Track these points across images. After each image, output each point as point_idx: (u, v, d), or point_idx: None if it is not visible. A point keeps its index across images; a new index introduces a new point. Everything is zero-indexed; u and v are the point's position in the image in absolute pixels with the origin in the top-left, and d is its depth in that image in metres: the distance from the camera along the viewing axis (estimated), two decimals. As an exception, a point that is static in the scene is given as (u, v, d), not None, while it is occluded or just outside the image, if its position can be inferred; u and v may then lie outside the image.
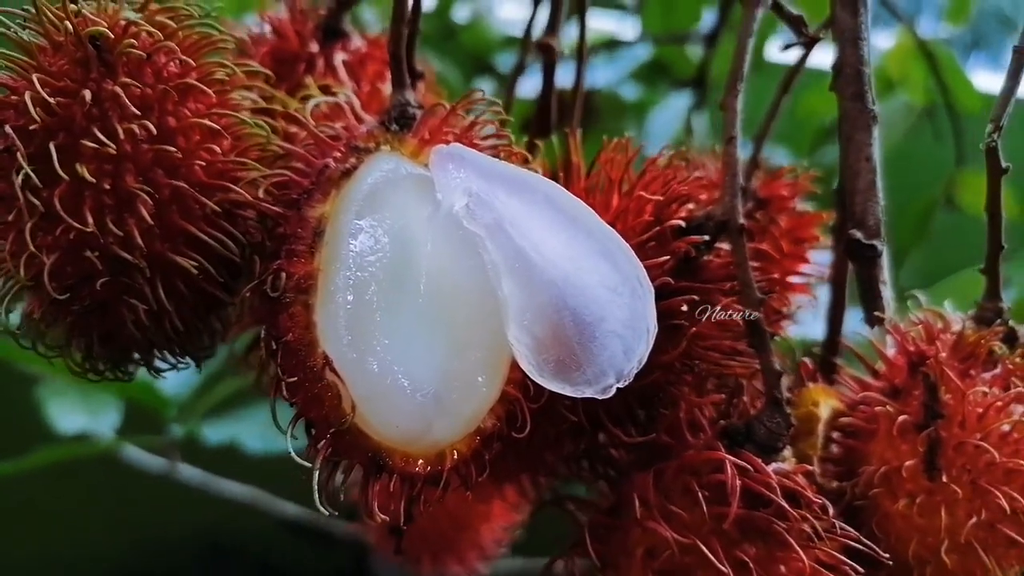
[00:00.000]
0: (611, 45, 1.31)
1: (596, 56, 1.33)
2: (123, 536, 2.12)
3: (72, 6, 0.32)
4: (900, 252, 1.57)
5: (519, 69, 0.55)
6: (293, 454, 0.29)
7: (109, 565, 2.09)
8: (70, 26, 0.30)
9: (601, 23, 1.43)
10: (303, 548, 1.88)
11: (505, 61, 1.44)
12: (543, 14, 0.54)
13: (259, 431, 0.98)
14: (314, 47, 0.49)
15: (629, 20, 1.34)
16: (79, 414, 0.98)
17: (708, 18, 1.25)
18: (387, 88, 0.50)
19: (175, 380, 1.02)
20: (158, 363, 0.35)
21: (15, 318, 0.35)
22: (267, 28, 0.50)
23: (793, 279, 0.51)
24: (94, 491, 1.98)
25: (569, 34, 0.69)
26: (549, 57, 0.46)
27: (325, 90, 0.44)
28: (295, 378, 0.29)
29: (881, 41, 1.57)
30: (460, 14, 1.51)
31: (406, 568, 1.66)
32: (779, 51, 0.40)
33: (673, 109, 1.36)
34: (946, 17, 1.39)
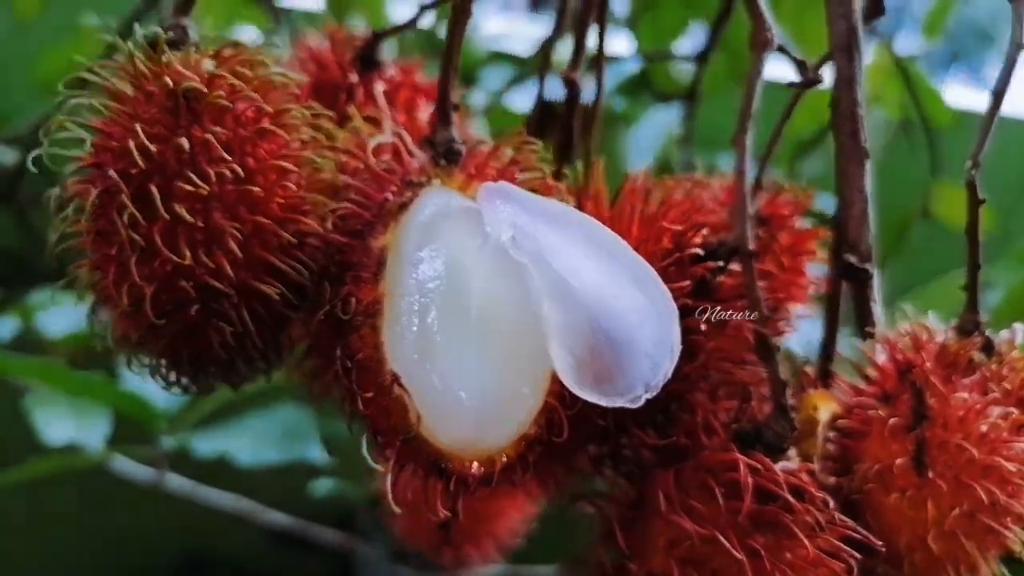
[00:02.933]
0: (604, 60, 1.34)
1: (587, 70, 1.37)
2: (104, 547, 2.12)
3: (163, 58, 0.36)
4: (881, 261, 1.61)
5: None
6: (369, 460, 0.34)
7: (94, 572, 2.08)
8: (169, 82, 0.34)
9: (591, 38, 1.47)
10: (287, 557, 1.90)
11: (490, 76, 1.47)
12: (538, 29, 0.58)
13: (249, 444, 1.00)
14: (354, 77, 0.53)
15: (620, 33, 1.37)
16: (67, 425, 0.97)
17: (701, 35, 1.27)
18: (420, 114, 0.54)
19: (165, 393, 1.05)
20: (233, 378, 0.38)
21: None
22: (309, 59, 0.54)
23: (793, 291, 0.56)
24: (77, 501, 1.99)
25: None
26: (572, 90, 0.50)
27: (369, 121, 0.48)
28: (369, 393, 0.33)
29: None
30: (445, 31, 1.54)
31: (397, 571, 1.70)
32: (786, 86, 0.44)
33: (656, 123, 1.39)
34: (923, 31, 1.44)
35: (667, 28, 1.30)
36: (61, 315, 1.02)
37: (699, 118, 1.23)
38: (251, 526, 1.89)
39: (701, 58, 1.06)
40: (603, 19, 0.52)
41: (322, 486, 1.44)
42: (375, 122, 0.48)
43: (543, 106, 0.58)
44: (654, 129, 1.35)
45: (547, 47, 0.58)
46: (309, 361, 0.47)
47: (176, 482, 1.14)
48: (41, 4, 1.54)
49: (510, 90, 1.32)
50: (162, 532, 2.00)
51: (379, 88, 0.51)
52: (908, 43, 1.63)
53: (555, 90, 0.58)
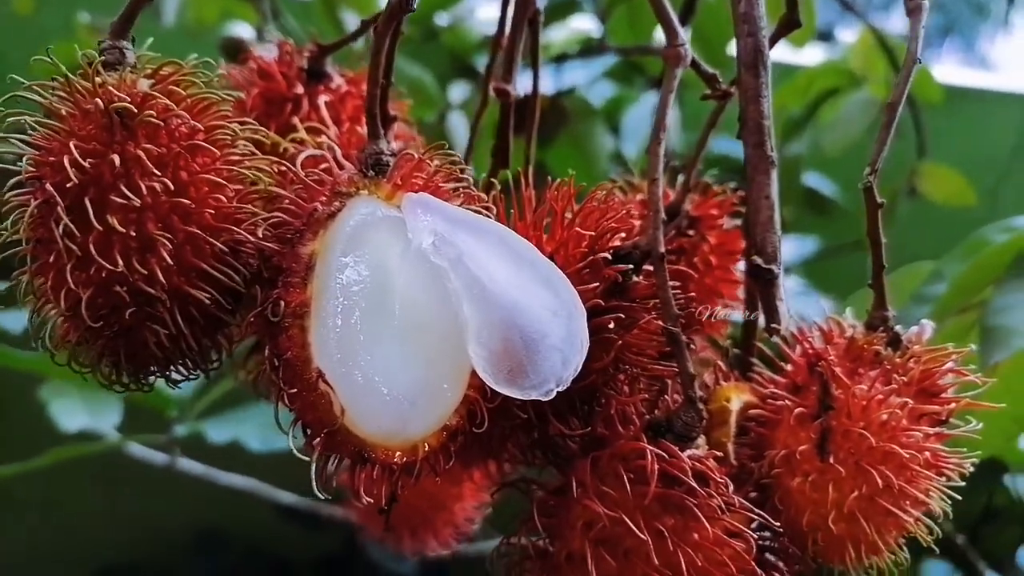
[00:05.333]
0: (586, 48, 1.36)
1: (571, 57, 1.39)
2: (118, 527, 2.16)
3: (98, 78, 0.38)
4: (865, 240, 1.65)
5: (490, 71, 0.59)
6: (294, 450, 0.36)
7: (105, 556, 2.13)
8: (100, 102, 0.36)
9: (577, 23, 1.49)
10: (295, 533, 1.95)
11: (484, 62, 1.50)
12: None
13: (259, 431, 1.04)
14: (299, 88, 0.55)
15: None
16: (81, 413, 1.03)
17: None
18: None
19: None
20: (174, 376, 0.41)
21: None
22: (257, 70, 0.56)
23: (723, 287, 0.59)
24: (92, 484, 2.03)
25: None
26: (505, 99, 0.52)
27: (312, 131, 0.50)
28: (295, 389, 0.36)
29: (847, 36, 1.62)
30: (442, 19, 1.56)
31: (394, 548, 1.73)
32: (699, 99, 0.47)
33: (647, 106, 1.42)
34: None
35: (643, 20, 1.33)
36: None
37: (687, 102, 1.26)
38: (261, 505, 1.93)
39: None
40: (535, 21, 0.54)
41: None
42: (317, 132, 0.50)
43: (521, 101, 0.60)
44: (645, 111, 1.39)
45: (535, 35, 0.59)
46: (252, 359, 0.49)
47: (187, 465, 1.19)
48: (36, 1, 1.55)
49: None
50: (175, 512, 2.04)
51: (322, 99, 0.53)
52: (902, 21, 1.65)
53: (545, 81, 0.59)
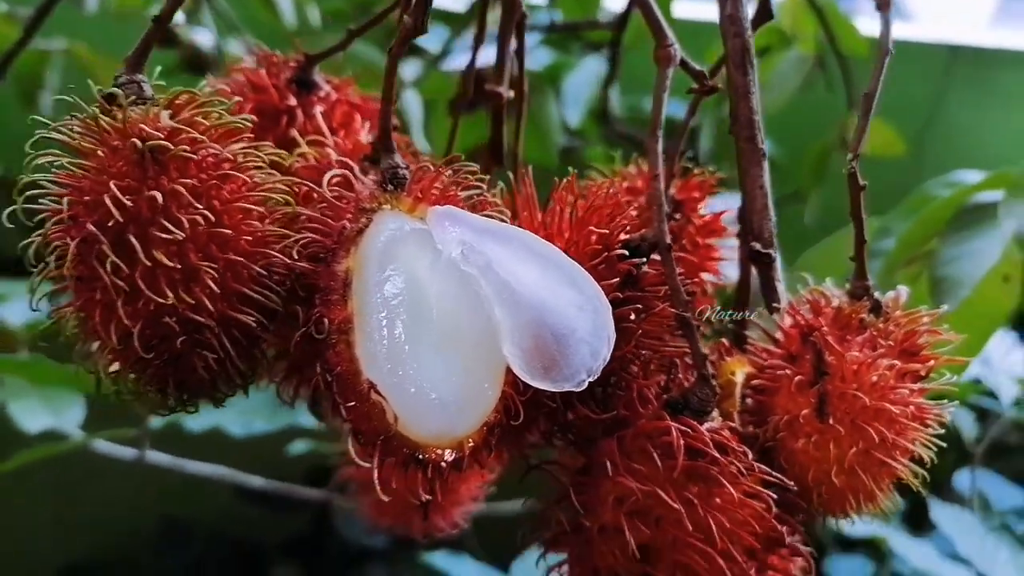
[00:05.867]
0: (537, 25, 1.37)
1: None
2: (79, 525, 2.14)
3: (121, 115, 0.39)
4: (802, 193, 1.72)
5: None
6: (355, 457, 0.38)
7: (68, 554, 2.10)
8: (136, 140, 0.37)
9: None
10: (261, 517, 1.95)
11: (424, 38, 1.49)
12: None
13: (238, 417, 1.05)
14: (292, 100, 0.56)
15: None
16: (43, 413, 1.02)
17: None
18: (357, 127, 0.57)
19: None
20: (218, 395, 0.42)
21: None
22: (247, 83, 0.56)
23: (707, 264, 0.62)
24: (51, 483, 1.99)
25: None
26: (497, 100, 0.54)
27: (313, 144, 0.52)
28: (351, 402, 0.38)
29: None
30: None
31: (369, 527, 1.76)
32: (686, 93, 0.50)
33: (586, 72, 1.44)
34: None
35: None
36: (22, 305, 1.05)
37: (624, 65, 1.29)
38: (225, 492, 1.92)
39: (619, 24, 1.11)
40: (522, 24, 0.56)
41: (298, 447, 1.49)
42: (319, 144, 0.52)
43: (475, 79, 0.62)
44: (585, 77, 1.41)
45: (481, 9, 0.61)
46: (278, 369, 0.51)
47: (156, 457, 1.17)
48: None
49: (446, 55, 1.35)
50: (137, 506, 2.01)
51: (318, 110, 0.54)
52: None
53: (489, 55, 0.61)
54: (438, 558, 1.42)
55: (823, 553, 1.73)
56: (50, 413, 1.03)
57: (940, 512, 1.19)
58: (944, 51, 2.05)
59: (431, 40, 1.42)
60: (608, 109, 1.31)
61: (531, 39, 1.44)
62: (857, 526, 1.29)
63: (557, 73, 1.47)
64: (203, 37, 1.49)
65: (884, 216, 0.98)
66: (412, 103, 1.28)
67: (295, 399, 0.51)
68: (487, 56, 0.62)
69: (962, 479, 1.58)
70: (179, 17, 1.47)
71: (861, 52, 1.52)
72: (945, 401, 0.50)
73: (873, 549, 1.70)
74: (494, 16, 0.83)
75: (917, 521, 1.24)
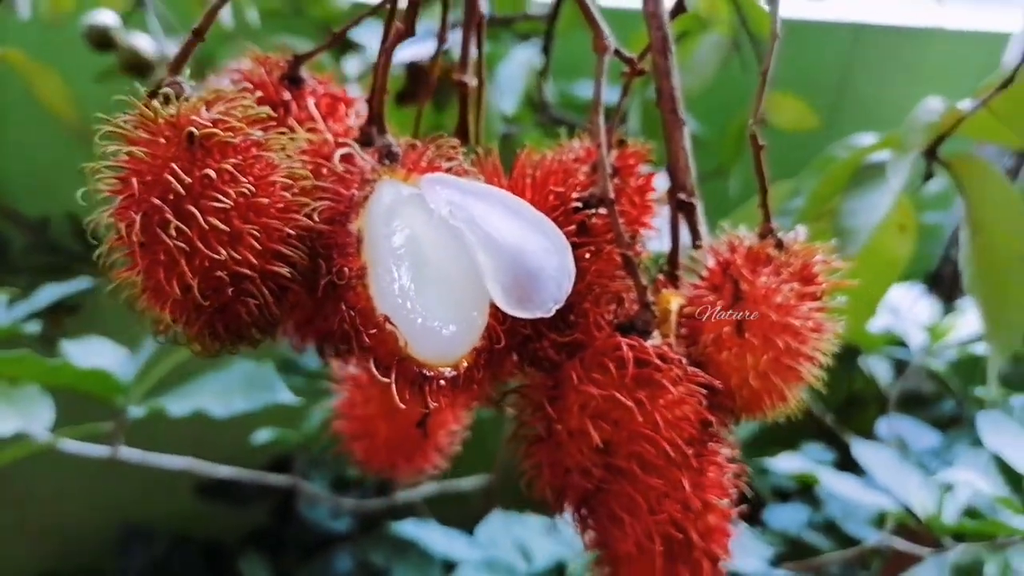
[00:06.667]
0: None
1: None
2: (31, 538, 2.14)
3: (172, 109, 0.48)
4: (724, 167, 1.85)
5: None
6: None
7: (25, 569, 2.10)
8: (193, 131, 0.46)
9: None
10: (221, 513, 1.99)
11: (362, 33, 1.58)
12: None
13: (218, 398, 1.11)
14: (287, 94, 0.65)
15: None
16: (10, 417, 1.04)
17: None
18: (341, 113, 0.67)
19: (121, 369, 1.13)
20: (256, 338, 0.52)
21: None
22: (246, 81, 0.65)
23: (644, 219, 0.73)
24: (14, 491, 2.00)
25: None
26: (463, 89, 0.64)
27: (311, 131, 0.61)
28: (371, 330, 0.48)
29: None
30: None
31: (335, 506, 1.84)
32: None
33: (518, 62, 1.54)
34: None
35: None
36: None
37: (556, 53, 1.39)
38: (182, 491, 1.96)
39: (551, 17, 1.22)
40: (481, 26, 0.66)
41: (262, 436, 1.55)
42: (316, 131, 0.61)
43: (413, 73, 0.71)
44: (517, 66, 1.51)
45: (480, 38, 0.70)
46: (290, 324, 0.60)
47: (128, 453, 1.22)
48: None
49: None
50: (94, 512, 2.03)
51: (311, 102, 0.63)
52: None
53: (426, 47, 0.69)
54: (407, 526, 1.51)
55: (763, 504, 1.88)
56: (18, 416, 1.05)
57: (860, 449, 1.33)
58: (851, 29, 2.21)
59: (369, 36, 1.50)
60: (542, 97, 1.42)
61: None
62: (790, 462, 1.44)
63: (490, 63, 1.56)
64: (141, 41, 1.53)
65: (795, 177, 1.11)
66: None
67: (303, 347, 0.61)
68: (427, 50, 0.72)
69: (883, 427, 1.74)
70: (116, 20, 1.52)
71: (767, 31, 1.63)
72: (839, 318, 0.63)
73: (808, 498, 1.85)
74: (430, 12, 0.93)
75: (848, 470, 1.38)
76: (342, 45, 1.63)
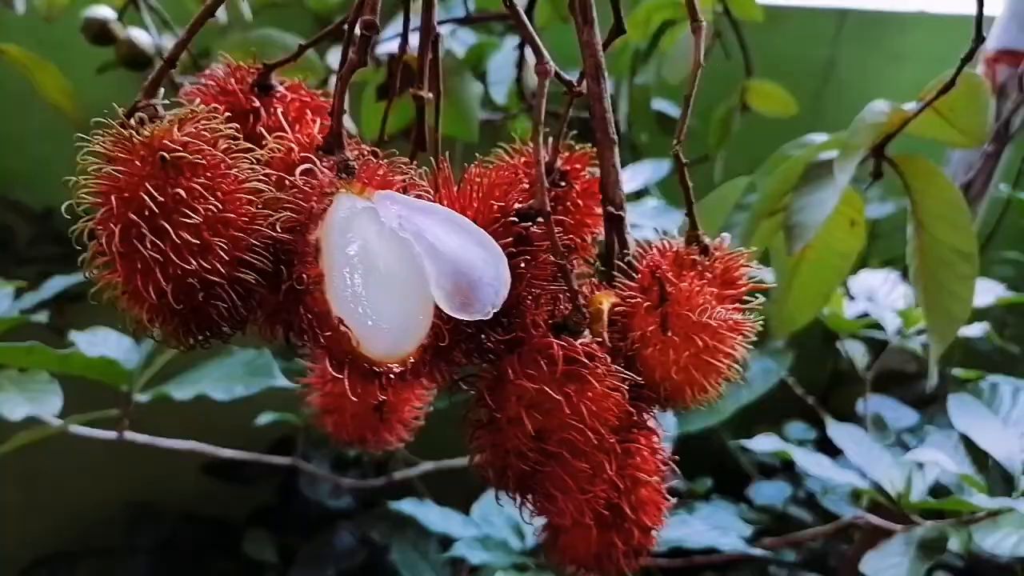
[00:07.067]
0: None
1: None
2: (42, 518, 2.20)
3: (146, 131, 0.53)
4: (713, 151, 1.91)
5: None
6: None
7: (35, 548, 2.15)
8: (160, 150, 0.51)
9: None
10: (227, 492, 2.05)
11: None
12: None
13: (220, 384, 1.17)
14: (256, 102, 0.70)
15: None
16: (21, 403, 1.10)
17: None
18: (308, 119, 0.72)
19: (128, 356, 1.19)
20: (225, 333, 0.58)
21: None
22: (218, 89, 0.70)
23: (589, 220, 0.79)
24: (8, 477, 2.05)
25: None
26: (419, 104, 0.70)
27: (278, 139, 0.66)
28: (327, 332, 0.54)
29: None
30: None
31: (335, 485, 1.91)
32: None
33: (509, 52, 1.59)
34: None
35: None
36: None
37: (545, 43, 1.43)
38: (189, 470, 2.03)
39: (527, 11, 1.26)
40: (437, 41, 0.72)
41: (265, 418, 1.62)
42: (281, 138, 0.66)
43: (402, 67, 0.76)
44: (507, 57, 1.55)
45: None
46: (262, 316, 0.66)
47: (132, 436, 1.28)
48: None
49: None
50: (102, 492, 2.08)
51: (279, 110, 0.68)
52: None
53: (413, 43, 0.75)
54: (404, 505, 1.58)
55: (749, 480, 1.96)
56: (28, 402, 1.10)
57: (834, 430, 1.39)
58: (834, 15, 2.24)
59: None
60: (522, 88, 1.46)
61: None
62: (767, 442, 1.50)
63: (482, 52, 1.60)
64: (139, 35, 1.55)
65: (752, 175, 1.17)
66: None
67: (273, 337, 0.67)
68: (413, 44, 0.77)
69: (860, 406, 1.81)
70: (111, 14, 1.54)
71: (757, 17, 1.67)
72: (755, 317, 0.69)
73: (790, 475, 1.94)
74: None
75: (828, 451, 1.45)
76: (327, 38, 1.66)
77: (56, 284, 1.41)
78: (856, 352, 1.84)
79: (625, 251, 0.66)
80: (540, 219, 0.62)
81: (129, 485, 2.12)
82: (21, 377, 1.13)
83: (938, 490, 1.31)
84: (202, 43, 1.72)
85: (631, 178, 1.60)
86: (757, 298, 0.70)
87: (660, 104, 1.95)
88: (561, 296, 0.64)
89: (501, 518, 1.50)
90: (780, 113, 1.84)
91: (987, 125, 1.02)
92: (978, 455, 1.30)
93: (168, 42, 1.55)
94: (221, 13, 1.52)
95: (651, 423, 0.69)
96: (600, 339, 0.65)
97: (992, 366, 1.69)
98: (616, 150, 0.63)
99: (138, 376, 1.23)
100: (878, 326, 1.76)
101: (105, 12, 1.52)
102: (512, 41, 1.59)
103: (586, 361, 0.61)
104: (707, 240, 0.70)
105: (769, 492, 1.78)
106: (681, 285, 0.66)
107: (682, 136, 0.63)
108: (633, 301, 0.67)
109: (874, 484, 1.31)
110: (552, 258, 0.62)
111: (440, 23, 0.74)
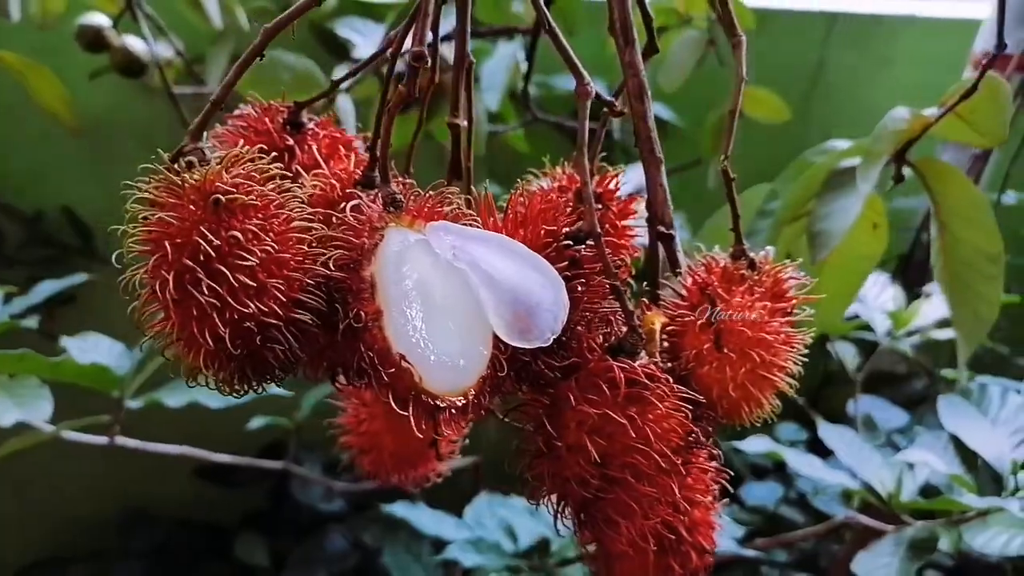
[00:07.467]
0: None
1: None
2: (32, 524, 2.18)
3: (196, 174, 0.52)
4: (704, 159, 1.91)
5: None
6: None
7: (26, 554, 2.14)
8: (219, 197, 0.50)
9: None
10: (219, 496, 2.05)
11: (347, 29, 1.63)
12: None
13: (212, 392, 1.15)
14: (290, 140, 0.69)
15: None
16: (11, 408, 1.08)
17: None
18: (341, 154, 0.71)
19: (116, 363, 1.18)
20: (281, 377, 0.56)
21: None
22: (250, 128, 0.69)
23: (625, 241, 0.79)
24: (16, 479, 2.03)
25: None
26: (455, 131, 0.69)
27: (316, 176, 0.65)
28: (390, 369, 0.52)
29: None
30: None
31: (327, 489, 1.89)
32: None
33: (502, 58, 1.59)
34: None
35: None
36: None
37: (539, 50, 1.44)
38: (181, 476, 2.01)
39: (535, 29, 1.25)
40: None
41: (256, 423, 1.61)
42: (320, 176, 0.65)
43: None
44: (501, 63, 1.55)
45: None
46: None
47: (122, 442, 1.27)
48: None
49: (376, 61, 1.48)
50: (94, 498, 2.06)
51: (315, 147, 0.67)
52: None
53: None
54: (397, 508, 1.57)
55: (741, 481, 1.95)
56: (18, 408, 1.08)
57: (825, 431, 1.40)
58: (824, 18, 2.26)
59: (361, 48, 1.54)
60: (527, 99, 1.46)
61: (446, 29, 1.57)
62: (759, 443, 1.51)
63: (476, 59, 1.61)
64: (134, 42, 1.56)
65: (774, 181, 1.17)
66: (347, 108, 1.41)
67: (317, 378, 0.66)
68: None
69: (851, 407, 1.81)
70: (106, 21, 1.54)
71: (748, 24, 1.69)
72: (808, 329, 0.69)
73: (782, 475, 1.93)
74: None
75: (819, 452, 1.45)
76: (335, 54, 1.66)
77: (46, 288, 1.39)
78: (847, 353, 1.84)
79: (677, 268, 0.66)
80: (590, 241, 0.61)
81: (122, 490, 2.11)
82: (10, 383, 1.10)
83: (928, 490, 1.31)
84: (196, 48, 1.72)
85: (624, 181, 1.60)
86: (806, 310, 0.70)
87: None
88: (614, 318, 0.63)
89: (494, 521, 1.49)
90: (773, 119, 1.84)
91: (1007, 126, 1.02)
92: (968, 455, 1.31)
93: (163, 50, 1.55)
94: (216, 19, 1.52)
95: (710, 443, 0.68)
96: (656, 360, 0.64)
97: (982, 367, 1.70)
98: (663, 168, 0.63)
99: (130, 382, 1.21)
100: (868, 328, 1.77)
101: (100, 19, 1.52)
102: (508, 48, 1.59)
103: (647, 382, 0.60)
104: (753, 254, 0.69)
105: (760, 493, 1.78)
106: (732, 300, 0.65)
107: (729, 151, 0.62)
108: (684, 320, 0.66)
109: (865, 484, 1.30)
110: (606, 280, 0.61)
111: (442, 39, 0.73)
